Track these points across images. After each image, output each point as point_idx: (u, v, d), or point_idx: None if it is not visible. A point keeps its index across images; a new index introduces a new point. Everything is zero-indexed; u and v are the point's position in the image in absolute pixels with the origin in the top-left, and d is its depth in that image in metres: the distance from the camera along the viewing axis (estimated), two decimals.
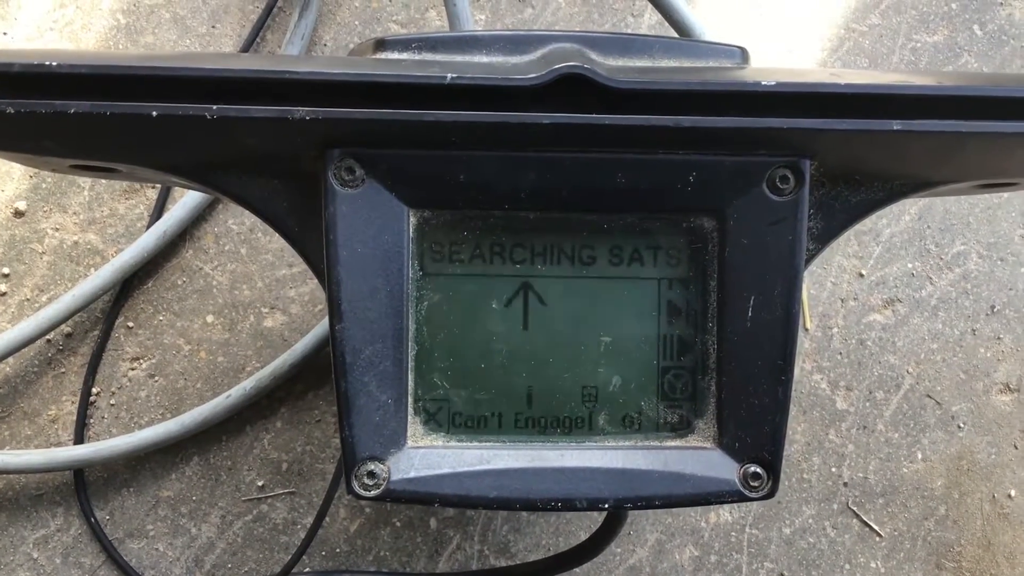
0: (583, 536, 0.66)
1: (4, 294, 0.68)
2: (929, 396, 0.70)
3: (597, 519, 0.65)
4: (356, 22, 0.73)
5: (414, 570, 0.66)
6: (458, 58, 0.42)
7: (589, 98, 0.37)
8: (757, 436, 0.40)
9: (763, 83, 0.37)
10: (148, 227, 0.69)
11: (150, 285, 0.69)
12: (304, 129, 0.37)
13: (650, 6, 0.73)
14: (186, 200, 0.68)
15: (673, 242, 0.42)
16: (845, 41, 0.75)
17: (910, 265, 0.72)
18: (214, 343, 0.68)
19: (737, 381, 0.40)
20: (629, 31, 0.74)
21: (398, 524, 0.67)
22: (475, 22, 0.69)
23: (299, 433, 0.68)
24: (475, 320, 0.42)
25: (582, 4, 0.74)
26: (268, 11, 0.72)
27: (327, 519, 0.66)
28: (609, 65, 0.40)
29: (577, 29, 0.73)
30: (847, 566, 0.68)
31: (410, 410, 0.41)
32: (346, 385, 0.39)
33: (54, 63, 0.35)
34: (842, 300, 0.71)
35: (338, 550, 0.66)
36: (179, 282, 0.69)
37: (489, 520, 0.67)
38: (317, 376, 0.68)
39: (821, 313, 0.71)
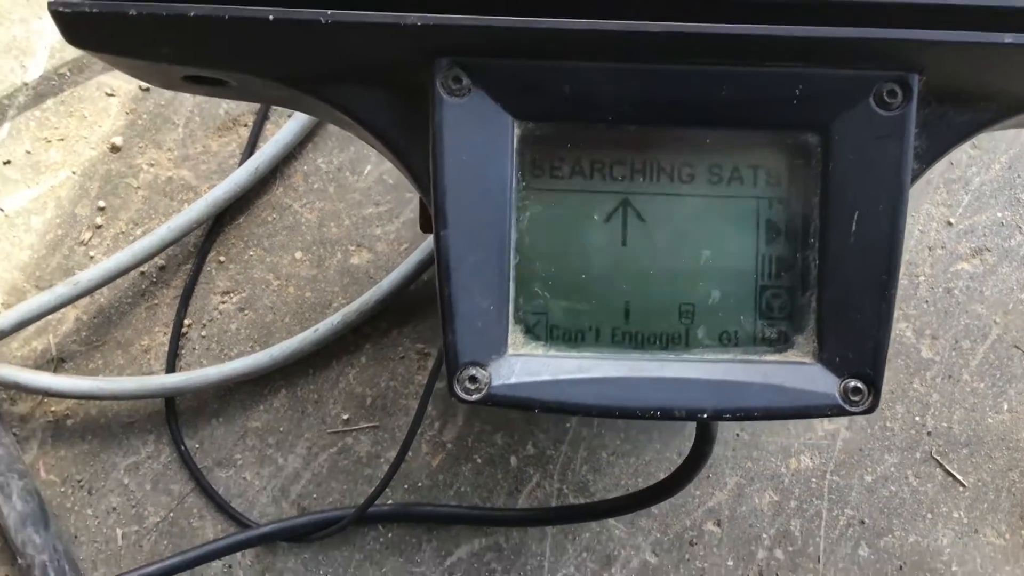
0: (662, 477, 0.66)
1: (100, 227, 0.70)
2: (1016, 347, 0.69)
3: (675, 462, 0.65)
4: None
5: (494, 506, 0.67)
6: None
7: (700, 8, 0.37)
8: (859, 351, 0.40)
9: None
10: (240, 164, 0.70)
11: (241, 221, 0.70)
12: (415, 34, 0.37)
13: None
14: (278, 138, 0.69)
15: (776, 159, 0.42)
16: None
17: (999, 214, 0.71)
18: (302, 279, 0.70)
19: (839, 297, 0.40)
20: None
21: (479, 460, 0.68)
22: None
23: (383, 369, 0.69)
24: (575, 234, 0.42)
25: None
26: None
27: (409, 453, 0.67)
28: None
29: None
30: (929, 515, 0.67)
31: (511, 319, 0.41)
32: (450, 291, 0.40)
33: None
34: (929, 248, 0.70)
35: (420, 484, 0.67)
36: (269, 219, 0.70)
37: (568, 460, 0.68)
38: (401, 314, 0.69)
39: (908, 261, 0.70)
